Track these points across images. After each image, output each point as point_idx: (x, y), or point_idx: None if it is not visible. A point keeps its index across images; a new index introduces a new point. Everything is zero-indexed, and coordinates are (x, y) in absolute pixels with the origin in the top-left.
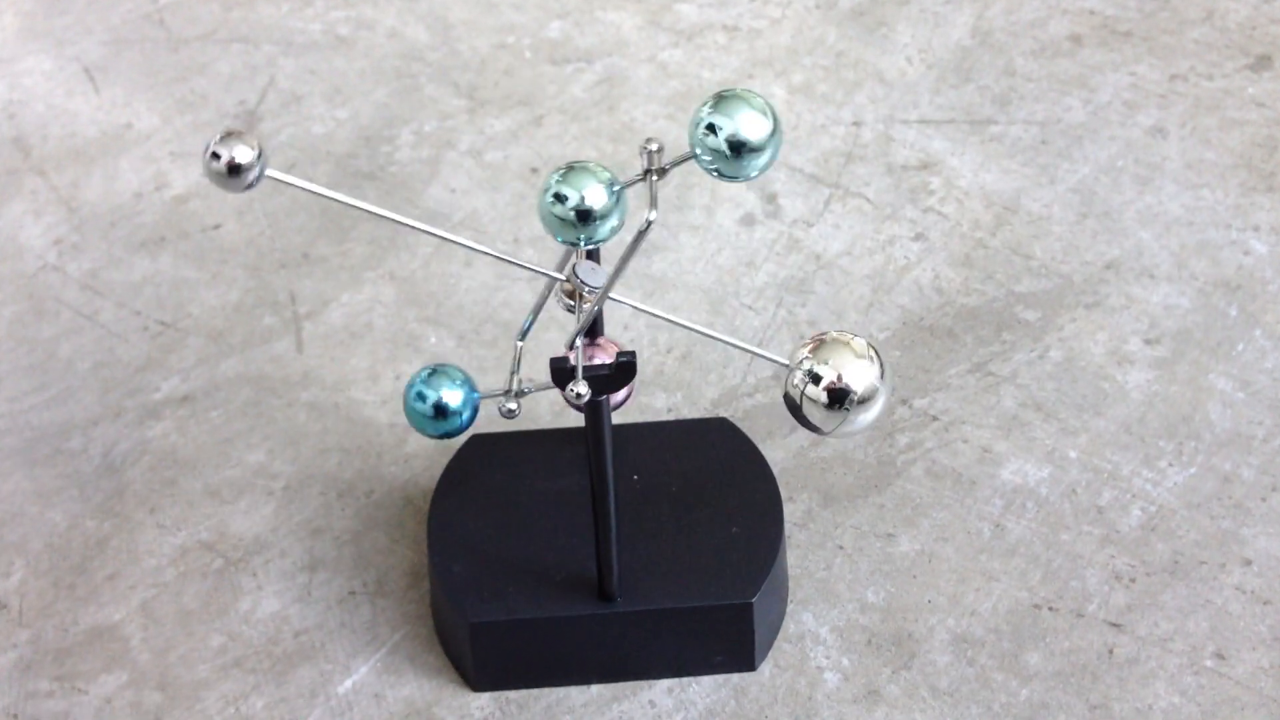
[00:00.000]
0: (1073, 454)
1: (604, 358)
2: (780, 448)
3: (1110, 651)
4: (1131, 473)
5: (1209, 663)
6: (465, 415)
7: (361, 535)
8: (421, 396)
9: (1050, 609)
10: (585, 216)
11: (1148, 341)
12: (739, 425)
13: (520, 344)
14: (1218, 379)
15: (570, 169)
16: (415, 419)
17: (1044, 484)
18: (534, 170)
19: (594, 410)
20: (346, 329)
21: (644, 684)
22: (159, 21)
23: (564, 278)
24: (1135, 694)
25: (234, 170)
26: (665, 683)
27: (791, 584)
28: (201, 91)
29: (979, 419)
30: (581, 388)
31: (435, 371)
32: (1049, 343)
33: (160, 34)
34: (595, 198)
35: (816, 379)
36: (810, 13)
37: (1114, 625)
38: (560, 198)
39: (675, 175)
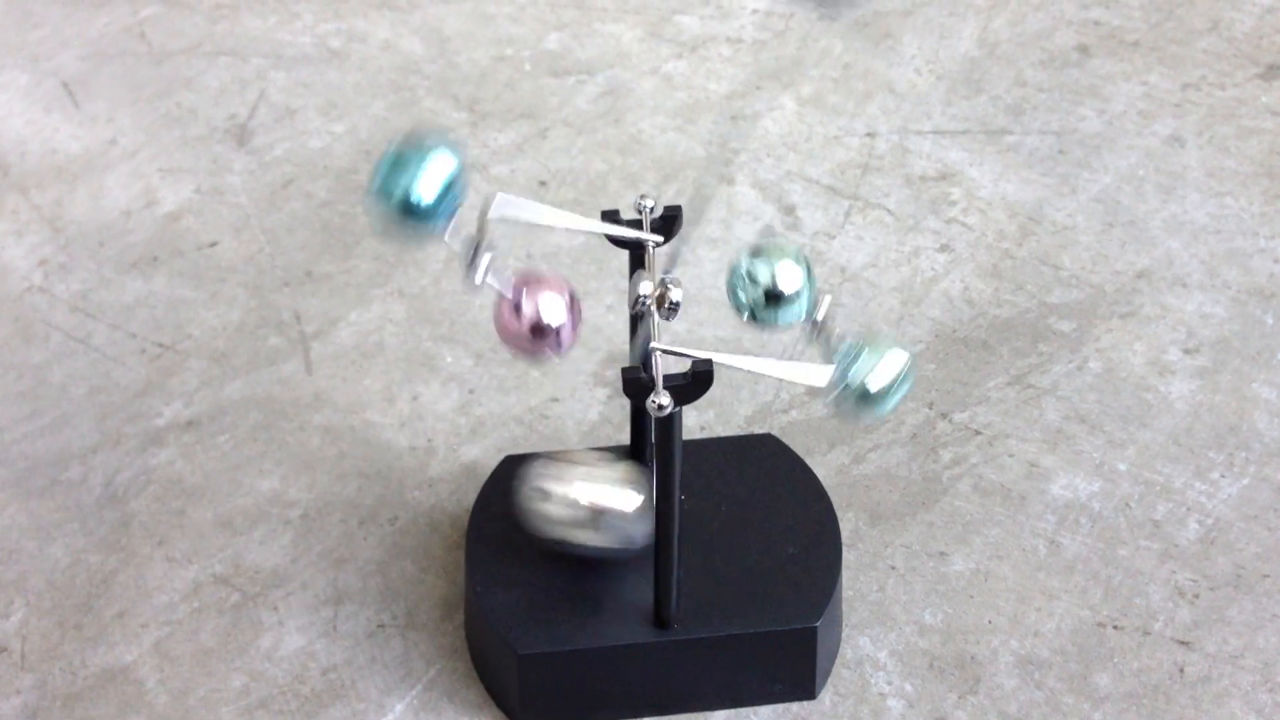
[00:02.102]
0: (1122, 467)
1: (553, 293)
2: (821, 465)
3: (1181, 670)
4: (1184, 485)
5: None
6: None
7: (388, 565)
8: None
9: (1115, 627)
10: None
11: (1187, 351)
12: None
13: None
14: (1261, 388)
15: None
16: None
17: (1096, 498)
18: (542, 184)
19: (667, 423)
20: (357, 349)
21: (700, 716)
22: (139, 35)
23: (660, 278)
24: (1211, 714)
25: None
26: (722, 714)
27: (845, 607)
28: (189, 106)
29: (1023, 433)
30: (664, 399)
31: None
32: (1087, 354)
33: (142, 47)
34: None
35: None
36: (814, 24)
37: (1182, 643)
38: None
39: (688, 188)
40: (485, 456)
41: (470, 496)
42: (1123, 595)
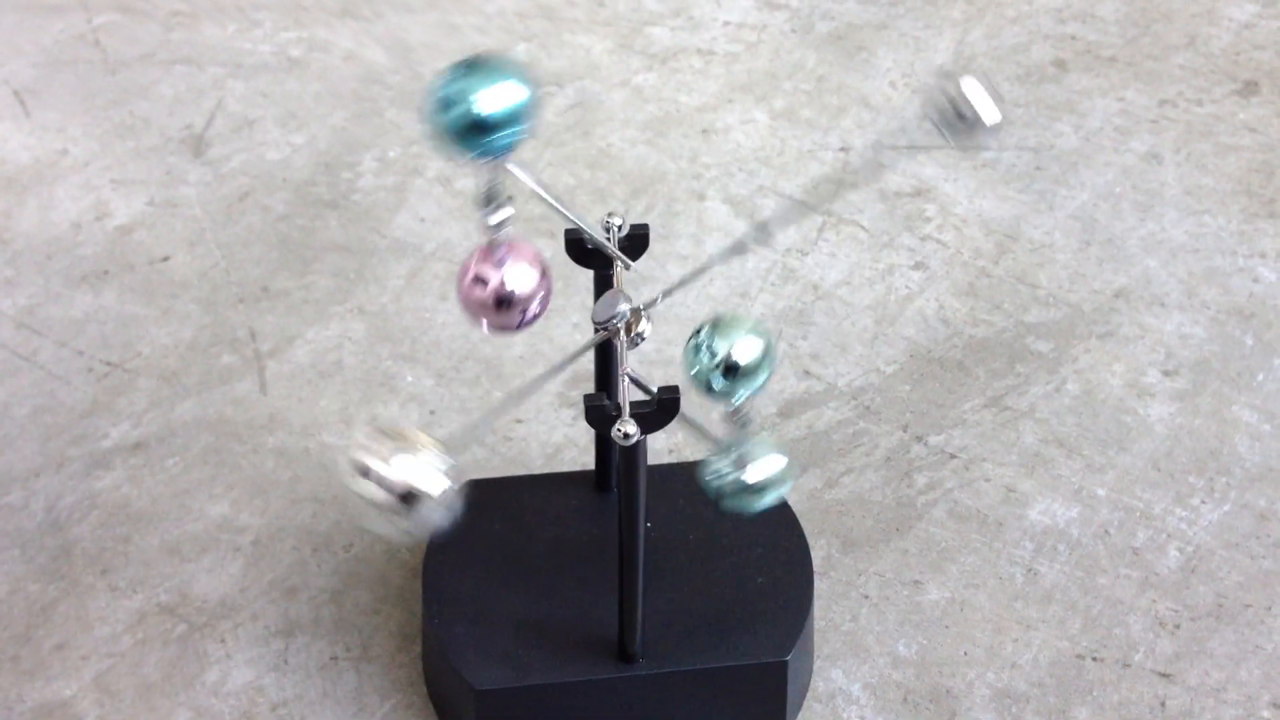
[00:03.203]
0: (1101, 492)
1: (520, 261)
2: (793, 490)
3: (1162, 704)
4: (1164, 511)
5: (1266, 713)
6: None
7: (342, 594)
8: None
9: (1095, 659)
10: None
11: (1166, 373)
12: None
13: None
14: (1242, 410)
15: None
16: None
17: (1074, 525)
18: (509, 198)
19: (632, 451)
20: (314, 368)
21: None
22: (94, 42)
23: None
24: None
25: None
26: None
27: (817, 638)
28: (143, 115)
29: (999, 456)
30: (630, 428)
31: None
32: (1065, 375)
33: (96, 55)
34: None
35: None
36: (786, 37)
37: (1163, 675)
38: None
39: (659, 202)
40: None
41: None
42: (1102, 625)
